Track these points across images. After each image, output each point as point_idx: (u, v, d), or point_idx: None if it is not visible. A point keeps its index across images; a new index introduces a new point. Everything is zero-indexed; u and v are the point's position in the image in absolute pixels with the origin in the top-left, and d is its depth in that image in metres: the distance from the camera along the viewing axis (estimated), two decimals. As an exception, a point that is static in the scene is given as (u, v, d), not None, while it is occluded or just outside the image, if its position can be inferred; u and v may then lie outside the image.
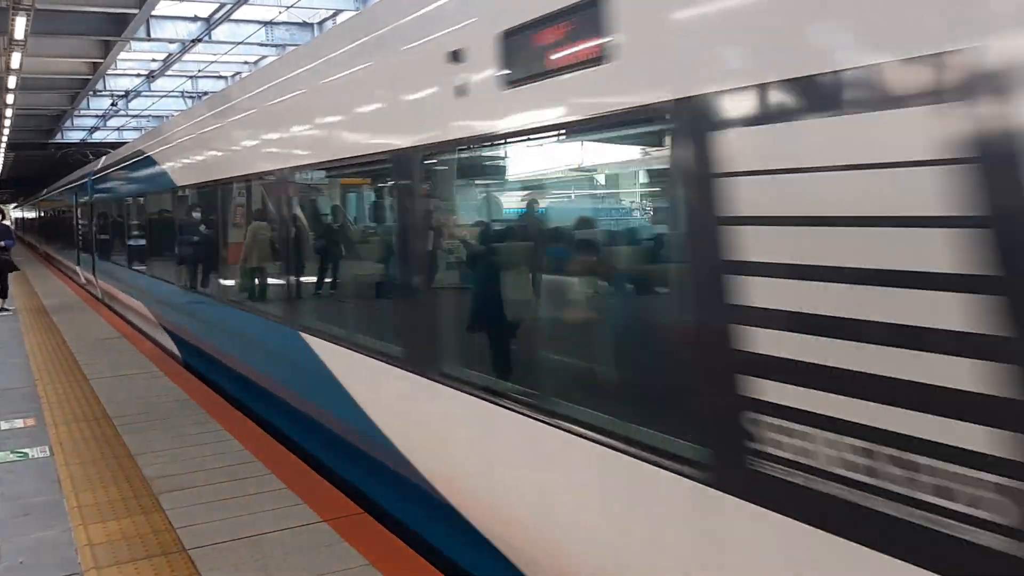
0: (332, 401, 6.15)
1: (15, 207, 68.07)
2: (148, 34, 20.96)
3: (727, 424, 2.82)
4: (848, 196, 2.41)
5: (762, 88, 2.67)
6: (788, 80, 2.58)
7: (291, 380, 7.22)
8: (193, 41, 21.37)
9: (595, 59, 3.39)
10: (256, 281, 8.59)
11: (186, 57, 24.00)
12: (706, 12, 2.93)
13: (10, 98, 24.39)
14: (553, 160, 4.49)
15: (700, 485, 2.98)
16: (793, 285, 2.58)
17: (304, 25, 21.99)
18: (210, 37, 21.30)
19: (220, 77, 28.88)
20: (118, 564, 4.73)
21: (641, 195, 4.59)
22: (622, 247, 4.19)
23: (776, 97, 2.63)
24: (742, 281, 2.75)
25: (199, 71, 27.38)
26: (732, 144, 2.78)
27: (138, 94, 29.76)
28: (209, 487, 5.89)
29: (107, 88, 29.42)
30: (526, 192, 4.92)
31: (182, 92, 29.90)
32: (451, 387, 4.57)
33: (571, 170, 4.52)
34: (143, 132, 25.39)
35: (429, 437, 4.92)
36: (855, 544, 2.44)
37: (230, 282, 9.28)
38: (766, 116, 2.68)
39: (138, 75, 27.74)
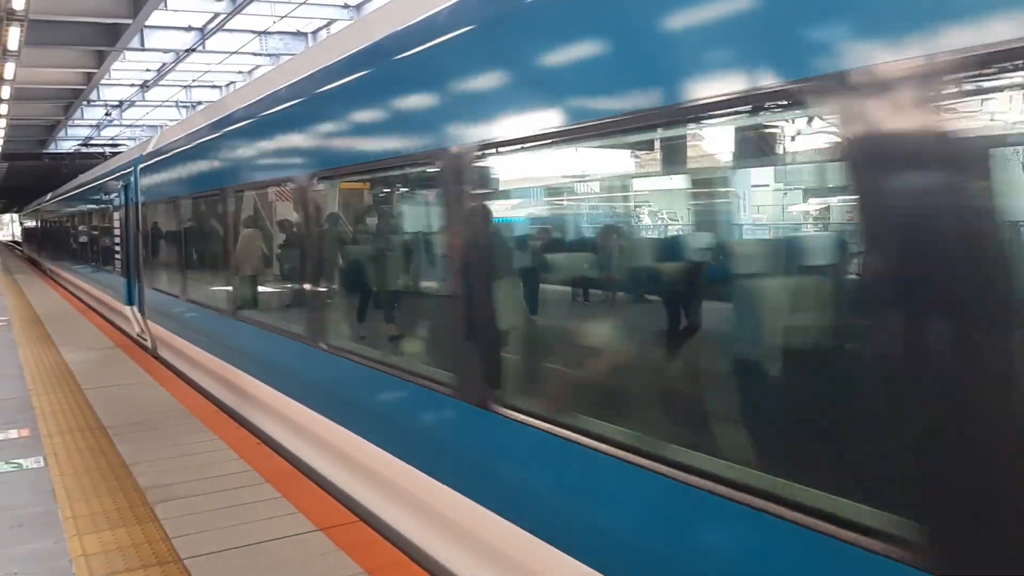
0: None
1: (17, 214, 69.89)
2: (142, 44, 21.00)
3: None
4: None
5: None
6: None
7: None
8: (187, 51, 21.42)
9: None
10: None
11: (180, 67, 24.04)
12: None
13: (3, 108, 24.41)
14: None
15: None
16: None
17: (298, 35, 22.05)
18: (204, 47, 21.35)
19: (214, 87, 28.92)
20: (113, 574, 4.72)
21: None
22: None
23: None
24: None
25: (193, 81, 27.42)
26: None
27: (132, 104, 29.79)
28: (204, 497, 5.88)
29: (101, 98, 29.47)
30: None
31: (176, 102, 29.95)
32: None
33: None
34: (137, 141, 28.75)
35: None
36: None
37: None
38: None
39: (132, 85, 27.78)
